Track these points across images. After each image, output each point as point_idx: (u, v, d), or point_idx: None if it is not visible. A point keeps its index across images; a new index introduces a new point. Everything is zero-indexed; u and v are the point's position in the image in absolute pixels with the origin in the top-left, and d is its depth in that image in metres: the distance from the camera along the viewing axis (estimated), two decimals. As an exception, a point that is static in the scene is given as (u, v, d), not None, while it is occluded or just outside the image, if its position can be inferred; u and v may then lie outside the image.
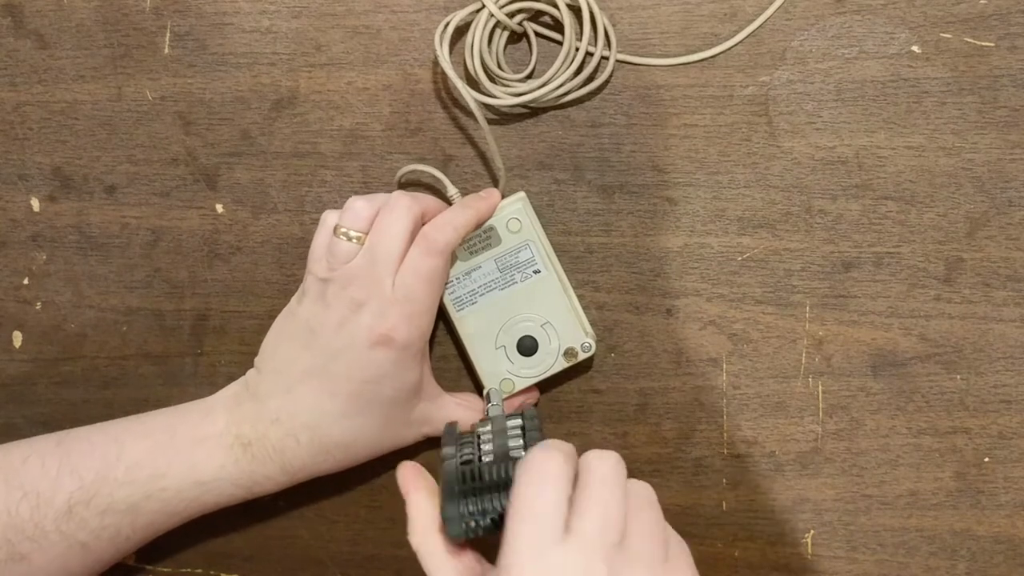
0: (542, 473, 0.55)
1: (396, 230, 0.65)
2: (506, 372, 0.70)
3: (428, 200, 0.68)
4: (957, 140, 0.69)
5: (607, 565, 0.53)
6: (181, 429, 0.67)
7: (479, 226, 0.69)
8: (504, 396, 0.70)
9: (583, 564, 0.52)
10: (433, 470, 0.73)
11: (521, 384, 0.70)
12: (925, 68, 0.69)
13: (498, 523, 0.58)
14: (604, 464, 0.56)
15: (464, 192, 0.70)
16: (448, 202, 0.69)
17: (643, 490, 0.57)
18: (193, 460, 0.67)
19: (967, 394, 0.70)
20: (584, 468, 0.56)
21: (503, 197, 0.70)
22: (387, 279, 0.65)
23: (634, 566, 0.53)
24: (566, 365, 0.70)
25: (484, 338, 0.70)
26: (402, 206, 0.66)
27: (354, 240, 0.66)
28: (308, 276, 0.67)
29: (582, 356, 0.70)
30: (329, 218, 0.67)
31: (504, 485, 0.58)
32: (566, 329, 0.70)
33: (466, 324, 0.70)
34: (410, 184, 0.72)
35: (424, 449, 0.71)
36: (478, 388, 0.71)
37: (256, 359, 0.69)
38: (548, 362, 0.70)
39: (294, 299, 0.69)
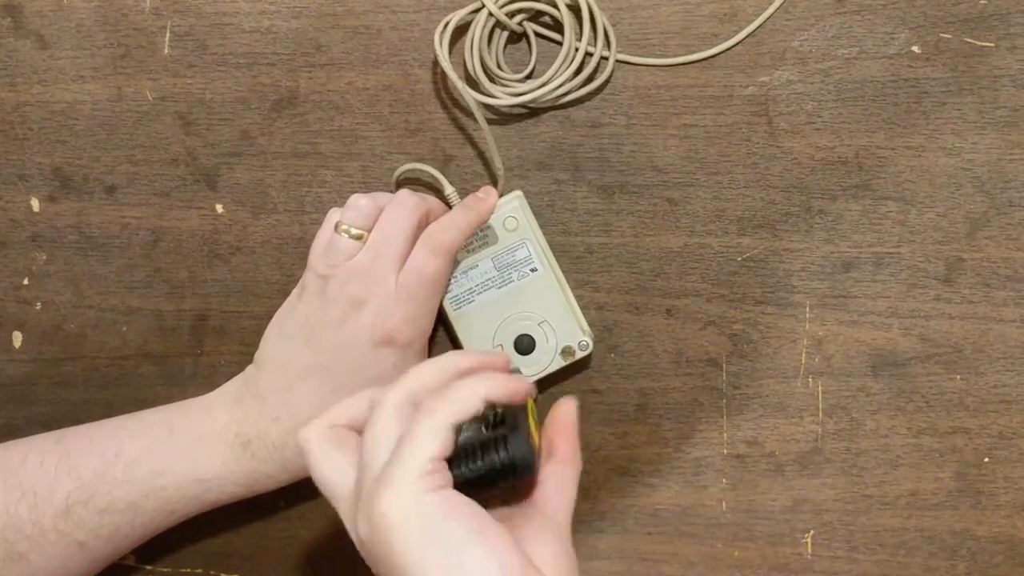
0: None
1: (401, 228, 0.65)
2: None
3: (433, 200, 0.68)
4: (957, 140, 0.69)
5: None
6: (180, 427, 0.67)
7: (481, 226, 0.69)
8: None
9: None
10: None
11: None
12: (925, 68, 0.69)
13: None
14: None
15: (462, 192, 0.70)
16: (446, 201, 0.69)
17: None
18: (193, 458, 0.67)
19: (967, 394, 0.70)
20: None
21: (501, 196, 0.70)
22: (390, 277, 0.65)
23: None
24: (563, 364, 0.70)
25: (481, 337, 0.70)
26: (409, 204, 0.66)
27: (355, 237, 0.66)
28: (308, 272, 0.67)
29: (579, 355, 0.70)
30: (333, 215, 0.67)
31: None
32: (563, 327, 0.70)
33: (463, 323, 0.70)
34: (408, 183, 0.72)
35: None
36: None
37: (256, 355, 0.69)
38: (545, 361, 0.70)
39: (293, 294, 0.69)
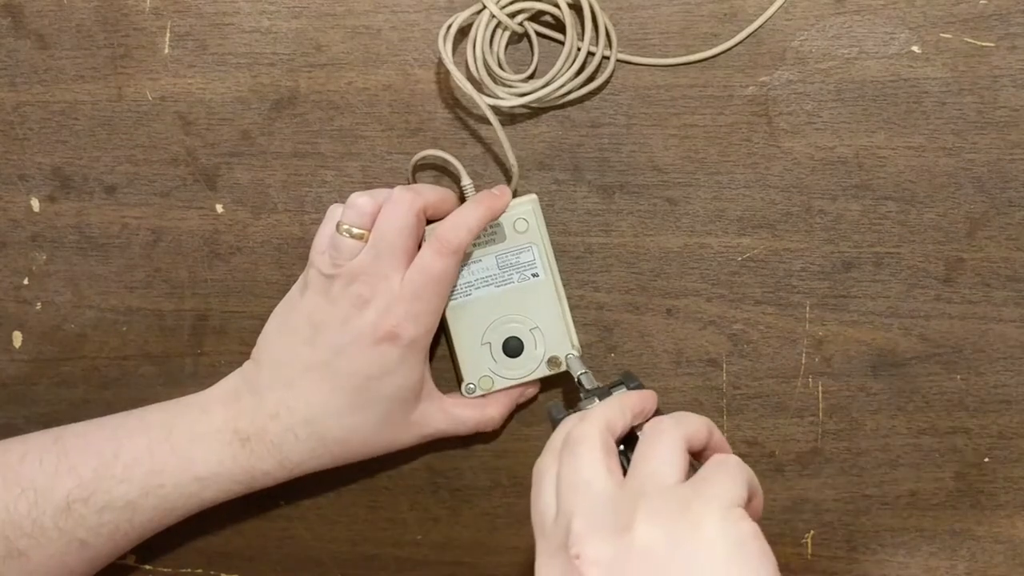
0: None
1: (399, 226, 0.66)
2: (487, 369, 0.70)
3: (429, 193, 0.68)
4: (957, 140, 0.69)
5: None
6: (178, 425, 0.67)
7: (490, 223, 0.68)
8: (482, 393, 0.70)
9: None
10: (435, 471, 0.74)
11: (500, 384, 0.70)
12: (925, 68, 0.69)
13: None
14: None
15: (477, 188, 0.70)
16: (461, 192, 0.69)
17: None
18: (191, 457, 0.67)
19: (967, 394, 0.70)
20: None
21: (515, 195, 0.70)
22: (393, 275, 0.65)
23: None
24: (548, 373, 0.70)
25: (471, 331, 0.70)
26: (404, 202, 0.66)
27: (356, 237, 0.66)
28: (311, 269, 0.67)
29: (565, 367, 0.70)
30: (335, 212, 0.67)
31: None
32: (554, 337, 0.70)
33: (456, 314, 0.70)
34: (425, 170, 0.71)
35: (422, 453, 0.71)
36: (457, 378, 0.71)
37: (254, 351, 0.69)
38: (530, 367, 0.70)
39: (295, 290, 0.69)
